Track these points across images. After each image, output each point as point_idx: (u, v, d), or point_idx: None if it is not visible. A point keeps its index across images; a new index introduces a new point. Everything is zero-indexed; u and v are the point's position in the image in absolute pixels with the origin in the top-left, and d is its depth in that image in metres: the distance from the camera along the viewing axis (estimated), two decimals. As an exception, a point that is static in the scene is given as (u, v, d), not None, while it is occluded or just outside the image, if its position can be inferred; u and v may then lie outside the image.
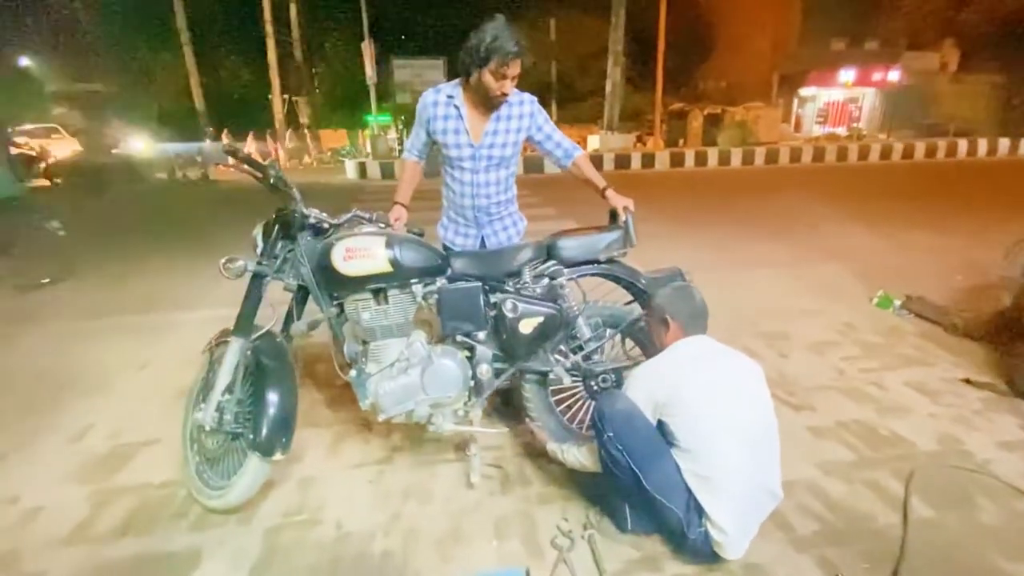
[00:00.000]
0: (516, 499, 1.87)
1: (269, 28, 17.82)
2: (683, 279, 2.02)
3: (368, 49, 14.11)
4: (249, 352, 1.82)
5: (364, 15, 14.15)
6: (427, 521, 1.79)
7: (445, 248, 2.31)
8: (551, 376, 2.02)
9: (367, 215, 1.90)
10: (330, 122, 19.95)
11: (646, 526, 1.62)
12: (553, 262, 1.98)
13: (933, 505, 1.80)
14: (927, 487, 1.88)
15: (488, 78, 1.85)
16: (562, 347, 2.03)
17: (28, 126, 14.42)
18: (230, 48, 19.60)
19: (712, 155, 14.55)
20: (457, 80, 2.02)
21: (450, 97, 2.01)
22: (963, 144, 15.72)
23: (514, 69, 1.85)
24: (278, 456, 1.72)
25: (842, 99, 21.46)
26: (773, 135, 17.23)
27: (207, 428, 1.81)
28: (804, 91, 21.40)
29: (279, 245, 1.85)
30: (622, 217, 2.04)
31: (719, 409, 1.45)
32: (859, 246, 5.34)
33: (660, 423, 1.51)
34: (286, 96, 19.50)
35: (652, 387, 1.52)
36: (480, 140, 2.04)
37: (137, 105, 16.92)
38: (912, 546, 1.62)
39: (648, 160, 14.22)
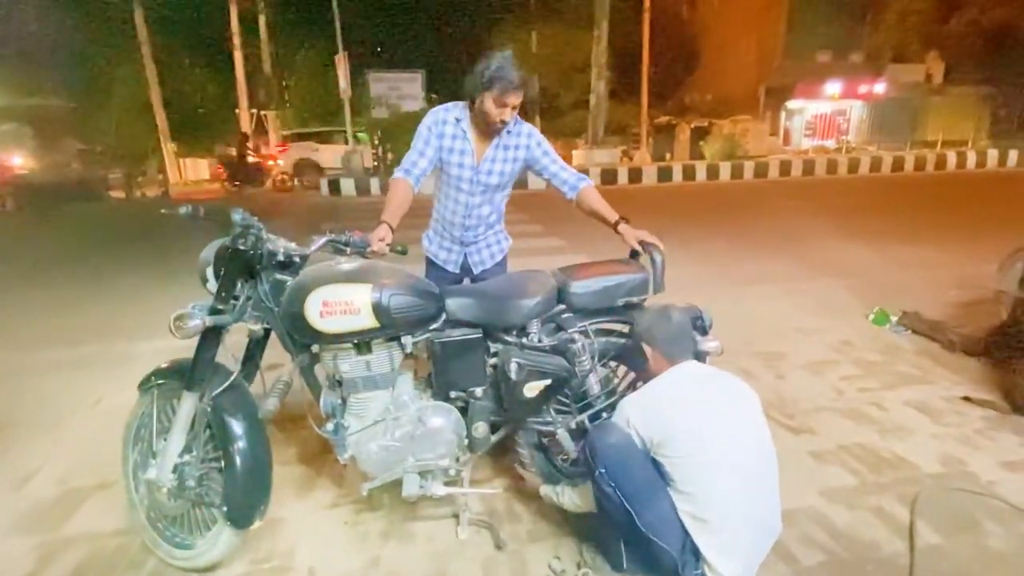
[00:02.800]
0: (505, 538, 1.84)
1: (236, 40, 17.89)
2: (703, 320, 1.88)
3: (342, 62, 14.23)
4: (209, 408, 1.66)
5: (337, 27, 14.30)
6: (409, 564, 1.75)
7: (430, 263, 2.31)
8: (551, 430, 1.93)
9: (343, 238, 1.82)
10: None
11: (643, 566, 1.60)
12: (563, 307, 1.87)
13: (940, 530, 1.82)
14: (933, 512, 1.90)
15: (489, 104, 1.94)
16: (567, 391, 1.92)
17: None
18: (194, 60, 19.54)
19: (700, 169, 14.87)
20: (463, 104, 2.09)
21: (458, 120, 2.08)
22: (952, 156, 16.36)
23: (514, 99, 1.94)
24: (256, 525, 1.66)
25: (830, 111, 22.18)
26: (762, 148, 17.69)
27: (164, 490, 1.70)
28: (791, 104, 22.09)
29: (239, 284, 1.68)
30: (643, 254, 1.92)
31: (716, 447, 1.42)
32: (853, 261, 5.48)
33: (654, 461, 1.49)
34: (254, 110, 19.48)
35: (643, 425, 1.49)
36: (480, 165, 2.11)
37: (93, 120, 16.71)
38: (920, 575, 1.63)
39: (635, 175, 14.48)
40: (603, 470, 1.47)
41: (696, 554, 1.44)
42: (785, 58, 22.05)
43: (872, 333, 3.60)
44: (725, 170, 14.87)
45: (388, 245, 1.88)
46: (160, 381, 1.78)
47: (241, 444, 1.63)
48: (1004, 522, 1.86)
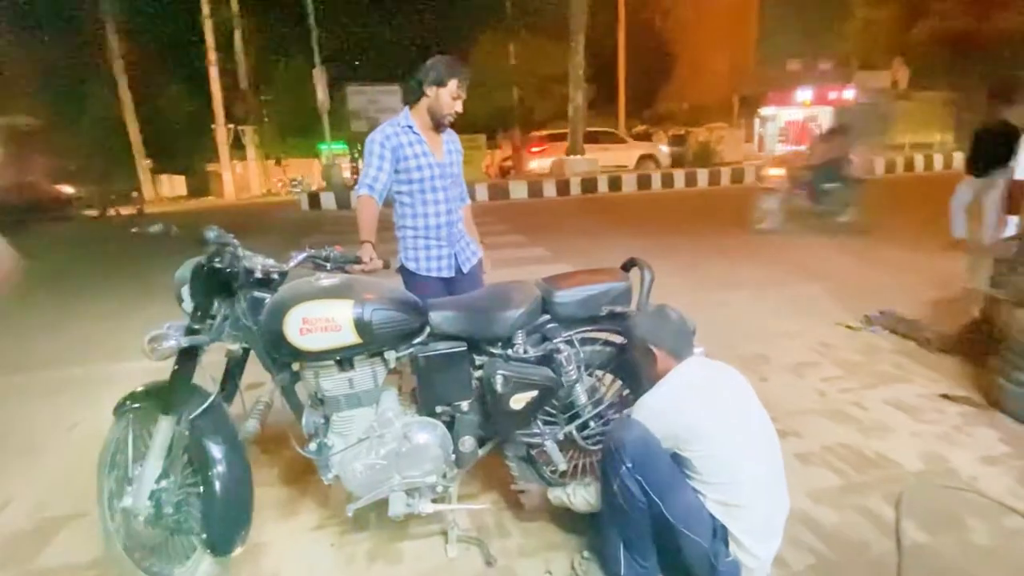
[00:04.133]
0: (495, 553, 1.81)
1: (211, 55, 17.76)
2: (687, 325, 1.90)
3: (319, 76, 14.19)
4: (187, 432, 1.61)
5: (315, 41, 14.28)
6: (397, 585, 1.71)
7: (418, 280, 2.29)
8: (539, 442, 1.91)
9: (323, 253, 1.80)
10: (281, 152, 19.81)
11: (640, 573, 1.59)
12: (548, 317, 1.85)
13: (925, 528, 1.84)
14: (917, 509, 1.92)
15: (446, 97, 2.14)
16: (554, 401, 1.90)
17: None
18: (169, 76, 19.30)
19: (679, 176, 15.10)
20: (403, 114, 2.23)
21: (408, 126, 2.20)
22: (920, 159, 16.87)
23: (464, 92, 2.17)
24: (237, 551, 1.62)
25: (801, 118, 22.74)
26: (737, 155, 18.06)
27: (141, 518, 1.64)
28: (764, 111, 22.61)
29: (215, 303, 1.63)
30: (638, 271, 1.92)
31: (739, 434, 1.47)
32: (830, 263, 5.58)
33: (674, 455, 1.49)
34: (231, 126, 19.31)
35: (663, 426, 1.48)
36: (443, 158, 2.28)
37: (65, 139, 16.41)
38: (908, 574, 1.64)
39: (615, 183, 14.62)
40: (630, 464, 1.44)
41: (725, 541, 1.45)
42: (757, 67, 22.63)
43: (850, 334, 3.66)
44: (703, 177, 15.13)
45: (381, 260, 2.01)
46: (135, 405, 1.72)
47: (220, 468, 1.59)
48: (987, 517, 1.88)
